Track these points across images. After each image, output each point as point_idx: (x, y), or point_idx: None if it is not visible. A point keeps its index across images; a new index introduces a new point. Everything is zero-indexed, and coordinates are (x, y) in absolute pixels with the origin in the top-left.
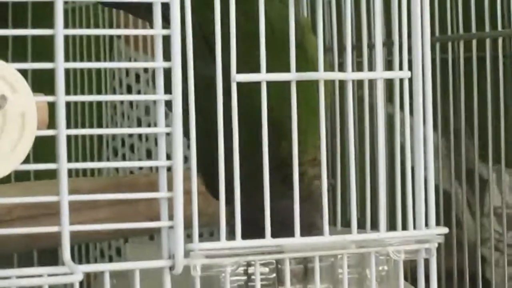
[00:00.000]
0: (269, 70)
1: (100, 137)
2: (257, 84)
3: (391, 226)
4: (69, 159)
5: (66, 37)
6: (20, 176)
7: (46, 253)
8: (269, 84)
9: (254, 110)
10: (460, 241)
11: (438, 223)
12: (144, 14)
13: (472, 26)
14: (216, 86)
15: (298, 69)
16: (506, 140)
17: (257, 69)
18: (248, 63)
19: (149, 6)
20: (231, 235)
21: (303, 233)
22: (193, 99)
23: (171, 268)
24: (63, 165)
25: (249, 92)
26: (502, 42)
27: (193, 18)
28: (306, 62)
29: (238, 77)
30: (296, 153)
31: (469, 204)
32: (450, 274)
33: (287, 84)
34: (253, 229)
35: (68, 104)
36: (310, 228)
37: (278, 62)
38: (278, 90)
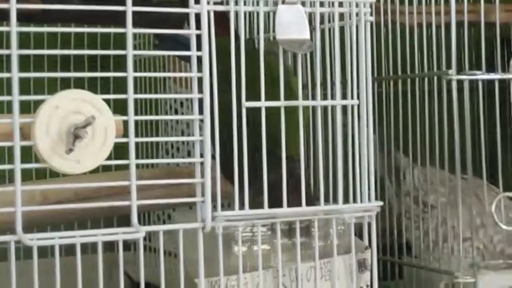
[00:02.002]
0: (270, 99)
1: (156, 142)
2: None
3: (346, 200)
4: (137, 157)
5: (135, 78)
6: (103, 169)
7: (122, 218)
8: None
9: (270, 131)
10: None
11: (376, 199)
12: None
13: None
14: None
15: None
16: (420, 143)
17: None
18: (257, 96)
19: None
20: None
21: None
22: (216, 118)
23: (203, 228)
24: (133, 161)
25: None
26: (418, 81)
27: (218, 66)
28: (292, 96)
29: (246, 104)
30: (284, 150)
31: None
32: (383, 232)
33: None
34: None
35: (136, 122)
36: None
37: (276, 95)
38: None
